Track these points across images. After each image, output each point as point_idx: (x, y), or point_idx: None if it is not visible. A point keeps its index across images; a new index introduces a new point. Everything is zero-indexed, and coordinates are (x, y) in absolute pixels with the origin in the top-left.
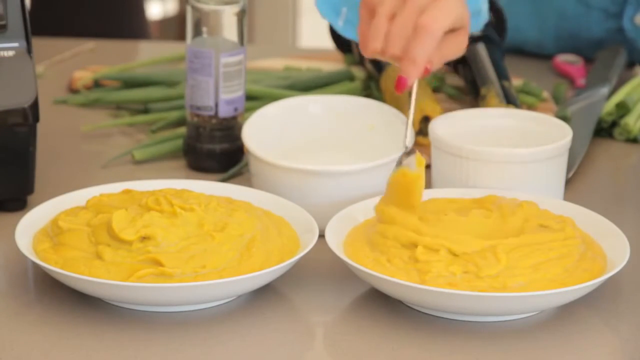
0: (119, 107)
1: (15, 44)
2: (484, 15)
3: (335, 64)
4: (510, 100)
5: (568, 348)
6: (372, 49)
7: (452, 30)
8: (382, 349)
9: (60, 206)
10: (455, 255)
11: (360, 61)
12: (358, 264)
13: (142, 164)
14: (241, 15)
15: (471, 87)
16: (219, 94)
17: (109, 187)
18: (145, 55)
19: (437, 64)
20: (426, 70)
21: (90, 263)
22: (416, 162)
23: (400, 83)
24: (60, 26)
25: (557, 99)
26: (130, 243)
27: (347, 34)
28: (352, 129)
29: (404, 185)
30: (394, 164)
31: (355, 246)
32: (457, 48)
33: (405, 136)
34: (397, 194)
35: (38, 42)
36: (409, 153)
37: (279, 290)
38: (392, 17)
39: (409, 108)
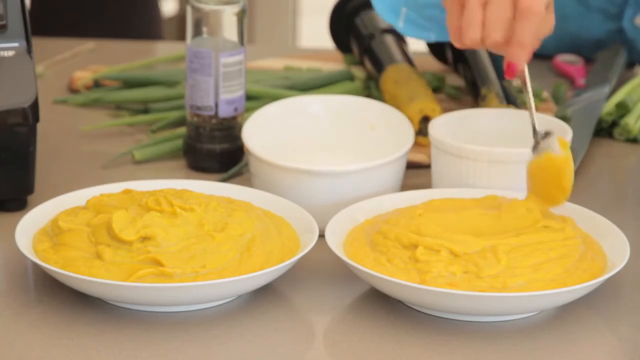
0: (119, 107)
1: (15, 44)
2: None
3: (335, 64)
4: (510, 100)
5: (568, 348)
6: (470, 38)
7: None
8: (382, 349)
9: (60, 206)
10: (455, 255)
11: (360, 61)
12: (358, 264)
13: (142, 164)
14: (241, 15)
15: (471, 87)
16: (219, 94)
17: (109, 187)
18: (145, 55)
19: (537, 44)
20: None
21: (90, 263)
22: (559, 144)
23: (510, 69)
24: (60, 26)
25: (557, 99)
26: (130, 243)
27: (408, 33)
28: (352, 129)
29: (553, 170)
30: (393, 162)
31: (355, 246)
32: (549, 26)
33: (534, 122)
34: (545, 181)
35: (38, 42)
36: (544, 137)
37: (279, 290)
38: (484, 4)
39: (526, 92)
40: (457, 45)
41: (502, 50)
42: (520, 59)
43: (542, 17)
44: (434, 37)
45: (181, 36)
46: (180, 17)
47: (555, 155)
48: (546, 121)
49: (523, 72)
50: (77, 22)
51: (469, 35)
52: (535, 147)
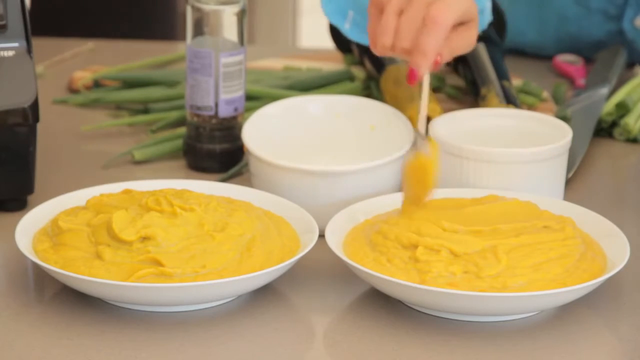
0: (119, 107)
1: (15, 44)
2: (487, 15)
3: (335, 64)
4: (510, 100)
5: (568, 348)
6: (381, 44)
7: (461, 24)
8: (382, 349)
9: (60, 206)
10: (455, 255)
11: (360, 61)
12: (358, 264)
13: (142, 164)
14: (241, 15)
15: (471, 87)
16: (219, 94)
17: (109, 187)
18: (145, 55)
19: (447, 57)
20: (436, 63)
21: (90, 263)
22: (430, 145)
23: (411, 75)
24: (60, 26)
25: (557, 99)
26: (130, 243)
27: (354, 36)
28: (352, 129)
29: (418, 168)
30: (393, 162)
31: (355, 246)
32: (466, 42)
33: (419, 122)
34: (413, 179)
35: (38, 42)
36: (422, 139)
37: (279, 290)
38: (401, 13)
39: (420, 99)
40: (373, 50)
41: (409, 57)
42: (420, 66)
43: (447, 28)
44: None
45: (181, 36)
46: (180, 17)
47: (423, 155)
48: (546, 121)
49: (422, 79)
50: (77, 22)
51: (381, 40)
52: (412, 148)
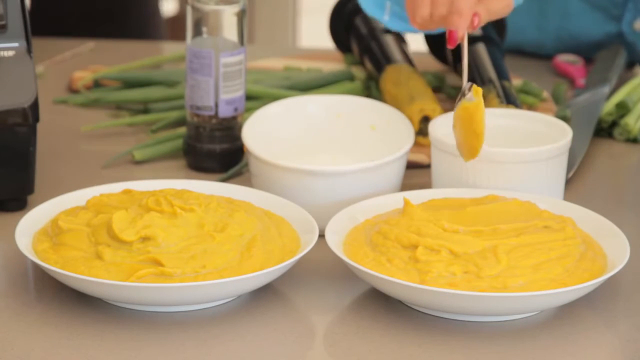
0: (119, 107)
1: (15, 44)
2: None
3: (335, 64)
4: (510, 100)
5: (568, 348)
6: (420, 15)
7: None
8: (382, 349)
9: (60, 206)
10: (455, 255)
11: (361, 61)
12: (358, 264)
13: (142, 164)
14: (241, 15)
15: None
16: (219, 94)
17: (109, 187)
18: (145, 55)
19: (485, 17)
20: (473, 24)
21: (90, 263)
22: (473, 93)
23: (450, 37)
24: (60, 26)
25: (557, 99)
26: (130, 243)
27: (394, 26)
28: (352, 129)
29: (466, 117)
30: (393, 162)
31: (355, 246)
32: (502, 4)
33: (463, 76)
34: (462, 128)
35: (38, 42)
36: (468, 89)
37: (279, 290)
38: None
39: (463, 56)
40: (413, 25)
41: (447, 22)
42: (458, 25)
43: None
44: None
45: (181, 36)
46: (180, 17)
47: (468, 103)
48: (546, 121)
49: (462, 39)
50: (77, 22)
51: (420, 12)
52: (458, 101)
